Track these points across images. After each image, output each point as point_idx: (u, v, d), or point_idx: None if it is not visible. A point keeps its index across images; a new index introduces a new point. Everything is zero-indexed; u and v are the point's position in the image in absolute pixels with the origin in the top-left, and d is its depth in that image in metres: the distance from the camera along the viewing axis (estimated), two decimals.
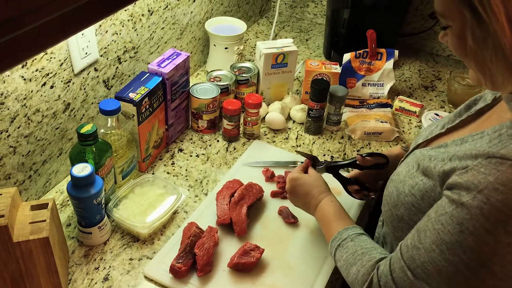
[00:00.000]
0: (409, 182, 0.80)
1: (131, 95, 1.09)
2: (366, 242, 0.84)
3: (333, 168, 1.09)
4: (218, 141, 1.33)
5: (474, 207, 0.63)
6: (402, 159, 0.92)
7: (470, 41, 0.67)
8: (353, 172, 1.13)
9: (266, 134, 1.37)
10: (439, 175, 0.72)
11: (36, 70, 0.98)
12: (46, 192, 1.13)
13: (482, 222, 0.63)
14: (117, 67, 1.22)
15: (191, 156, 1.27)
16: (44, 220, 0.83)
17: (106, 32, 1.14)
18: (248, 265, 0.96)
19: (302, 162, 1.22)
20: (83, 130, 0.95)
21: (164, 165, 1.24)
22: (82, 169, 0.92)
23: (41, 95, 1.01)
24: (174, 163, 1.24)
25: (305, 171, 1.06)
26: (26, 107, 0.98)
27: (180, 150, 1.29)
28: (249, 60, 1.58)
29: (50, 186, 1.14)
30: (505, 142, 0.65)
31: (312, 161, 1.08)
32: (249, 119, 1.32)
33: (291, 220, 1.09)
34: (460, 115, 0.87)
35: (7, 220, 0.77)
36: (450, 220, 0.66)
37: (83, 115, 1.16)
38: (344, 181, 1.10)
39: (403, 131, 1.41)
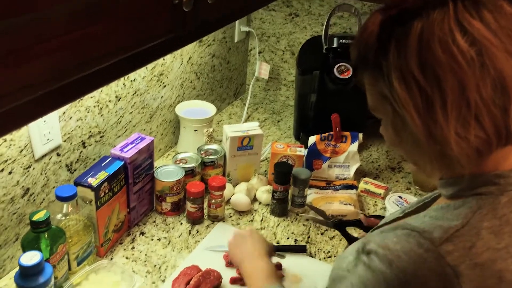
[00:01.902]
0: (349, 258, 0.81)
1: (90, 180, 1.10)
2: None
3: (340, 225, 1.13)
4: (181, 223, 1.33)
5: (378, 271, 0.66)
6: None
7: (392, 134, 0.72)
8: (363, 233, 1.14)
9: (231, 216, 1.37)
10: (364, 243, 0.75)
11: None
12: (0, 279, 1.10)
13: (383, 286, 0.65)
14: (81, 151, 1.24)
15: (152, 240, 1.26)
16: None
17: (70, 118, 1.17)
18: None
19: None
20: (35, 218, 0.95)
21: (124, 249, 1.22)
22: (31, 258, 0.91)
23: None
24: (134, 247, 1.23)
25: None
26: None
27: (142, 233, 1.28)
28: (220, 141, 1.61)
29: (4, 272, 1.11)
30: (422, 218, 0.69)
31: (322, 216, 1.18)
32: (213, 201, 1.32)
33: None
34: (422, 201, 0.89)
35: None
36: (358, 280, 0.70)
37: (43, 199, 1.16)
38: (350, 239, 1.12)
39: (368, 213, 1.42)
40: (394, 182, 1.58)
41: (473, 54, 0.61)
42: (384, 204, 1.44)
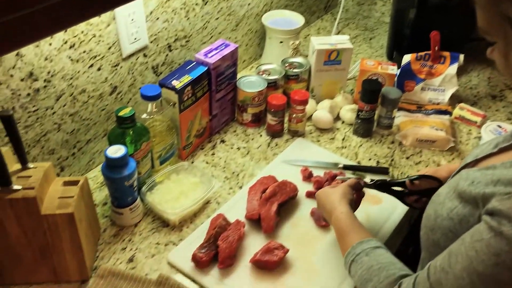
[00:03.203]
0: (448, 205, 0.73)
1: (174, 82, 1.10)
2: (382, 257, 0.78)
3: (383, 185, 1.01)
4: (261, 135, 1.31)
5: None
6: (449, 178, 0.85)
7: None
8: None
9: (311, 133, 1.34)
10: (479, 198, 0.66)
11: (84, 52, 1.01)
12: (90, 170, 1.17)
13: None
14: (167, 55, 1.24)
15: (232, 148, 1.27)
16: (72, 197, 0.86)
17: (157, 19, 1.16)
18: (270, 263, 0.94)
19: (343, 165, 1.18)
20: (121, 113, 0.98)
21: (204, 154, 1.24)
22: (116, 151, 0.95)
23: (88, 76, 1.05)
24: (214, 154, 1.24)
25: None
26: (72, 87, 1.02)
27: (222, 141, 1.29)
28: (306, 56, 1.54)
29: (94, 164, 1.18)
30: None
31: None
32: (294, 115, 1.29)
33: (322, 223, 1.05)
34: None
35: (36, 192, 0.81)
36: (486, 249, 0.60)
37: (130, 99, 1.19)
38: (399, 195, 1.01)
39: (460, 141, 1.31)
40: (493, 111, 1.43)
41: None
42: (480, 133, 1.33)
